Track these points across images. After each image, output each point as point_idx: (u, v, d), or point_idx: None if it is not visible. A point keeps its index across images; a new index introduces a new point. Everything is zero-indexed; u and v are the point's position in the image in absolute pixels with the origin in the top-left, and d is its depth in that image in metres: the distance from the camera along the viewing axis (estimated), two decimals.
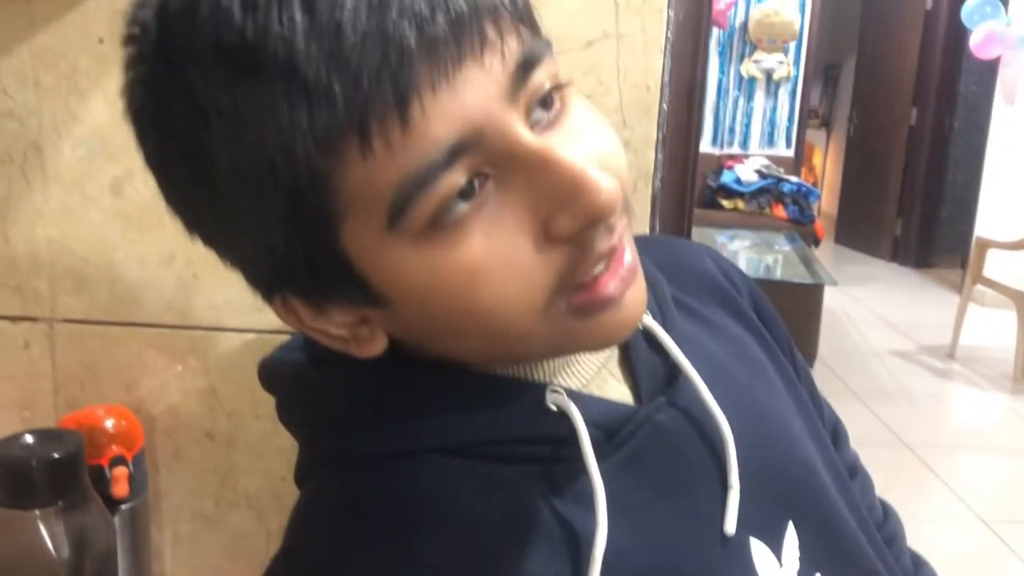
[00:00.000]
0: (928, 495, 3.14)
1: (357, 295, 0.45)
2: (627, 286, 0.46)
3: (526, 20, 0.44)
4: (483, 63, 0.41)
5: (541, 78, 0.43)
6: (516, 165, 0.42)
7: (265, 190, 0.41)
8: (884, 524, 0.73)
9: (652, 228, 0.92)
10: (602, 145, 0.46)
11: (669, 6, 0.87)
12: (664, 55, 0.88)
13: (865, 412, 3.81)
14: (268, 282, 0.47)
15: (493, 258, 0.42)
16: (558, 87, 0.45)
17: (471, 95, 0.40)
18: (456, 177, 0.41)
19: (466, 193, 0.41)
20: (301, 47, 0.37)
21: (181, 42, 0.41)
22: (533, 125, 0.43)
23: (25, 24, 0.89)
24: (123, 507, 0.89)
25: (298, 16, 0.38)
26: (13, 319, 0.96)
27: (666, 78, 0.89)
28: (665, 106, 0.89)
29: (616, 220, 0.45)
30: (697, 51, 1.03)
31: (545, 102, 0.44)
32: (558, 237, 0.43)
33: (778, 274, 4.22)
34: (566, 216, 0.42)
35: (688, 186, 1.08)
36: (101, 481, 0.86)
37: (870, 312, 5.56)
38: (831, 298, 4.76)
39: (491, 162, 0.42)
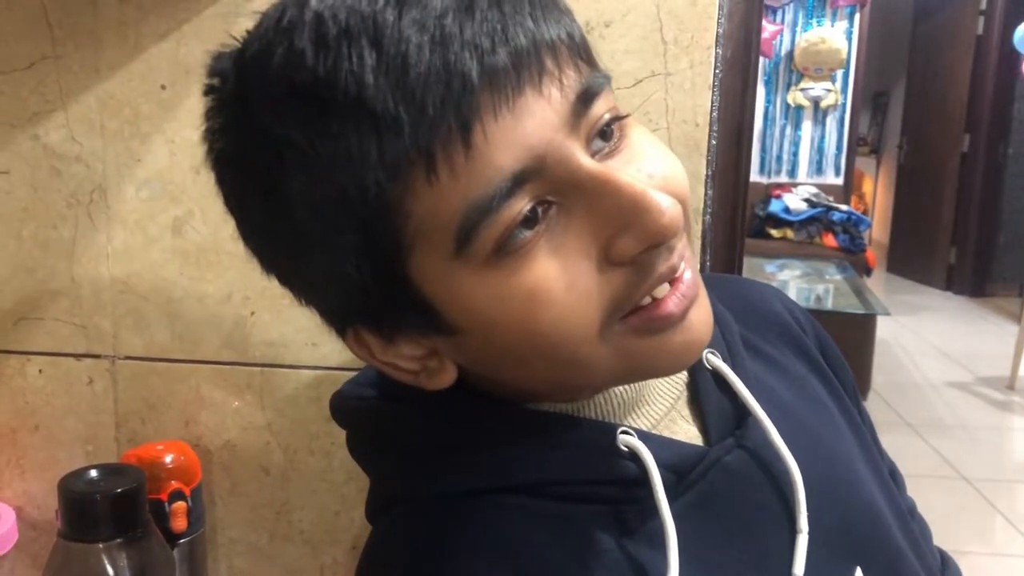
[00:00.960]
0: (989, 530, 3.04)
1: (426, 324, 0.46)
2: (689, 303, 0.46)
3: (583, 55, 0.45)
4: (543, 93, 0.42)
5: (600, 109, 0.45)
6: (578, 191, 0.43)
7: (338, 220, 0.42)
8: (943, 574, 0.71)
9: (703, 264, 0.92)
10: (663, 167, 0.46)
11: (717, 44, 0.88)
12: (712, 92, 0.88)
13: (922, 445, 3.72)
14: (341, 315, 0.49)
15: (555, 282, 0.43)
16: (617, 118, 0.46)
17: (532, 123, 0.41)
18: (520, 205, 0.41)
19: (530, 220, 0.42)
20: (369, 81, 0.39)
21: (258, 85, 0.42)
22: (594, 154, 0.44)
23: (93, 72, 0.93)
24: (181, 541, 0.90)
25: (366, 53, 0.39)
26: (78, 356, 0.99)
27: (715, 115, 0.89)
28: (714, 142, 0.89)
29: (677, 241, 0.45)
30: (746, 87, 1.03)
31: (605, 133, 0.45)
32: (620, 259, 0.43)
33: (829, 304, 4.14)
34: (628, 238, 0.43)
35: (739, 221, 1.08)
36: (161, 515, 0.88)
37: (925, 342, 5.44)
38: (884, 328, 4.67)
39: (554, 189, 0.43)
